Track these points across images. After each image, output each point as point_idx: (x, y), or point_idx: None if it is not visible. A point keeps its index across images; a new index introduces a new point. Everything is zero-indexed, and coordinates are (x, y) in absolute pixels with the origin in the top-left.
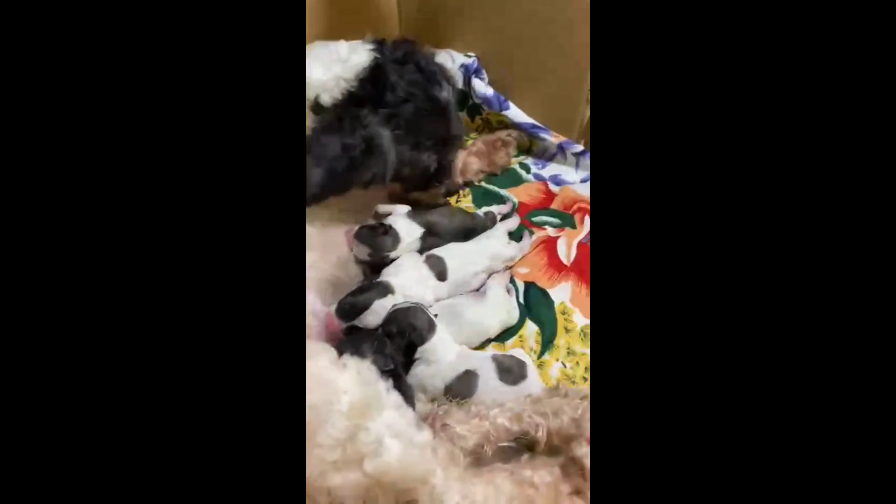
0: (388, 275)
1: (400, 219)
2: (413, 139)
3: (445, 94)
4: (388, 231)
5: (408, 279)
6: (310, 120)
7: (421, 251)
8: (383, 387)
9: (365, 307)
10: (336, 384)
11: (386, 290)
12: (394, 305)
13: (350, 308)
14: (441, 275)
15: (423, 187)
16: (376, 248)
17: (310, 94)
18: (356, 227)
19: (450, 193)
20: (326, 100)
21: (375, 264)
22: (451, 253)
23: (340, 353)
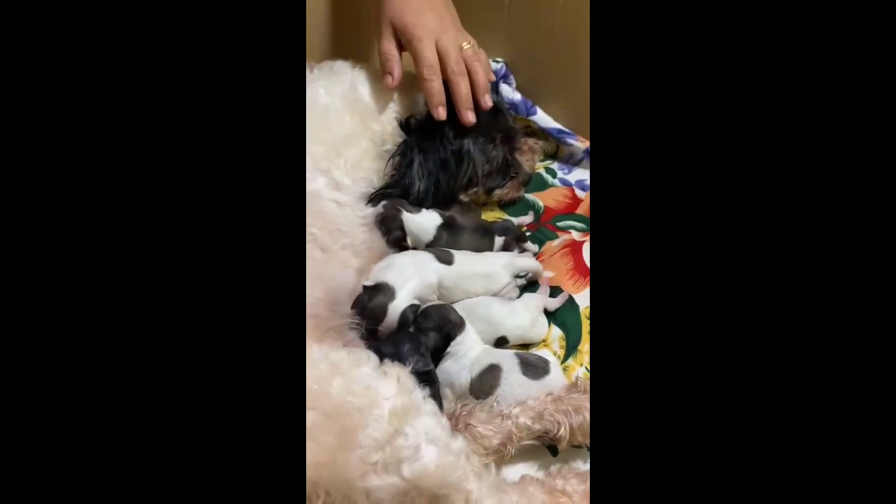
0: (379, 270)
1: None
2: (486, 137)
3: (497, 97)
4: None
5: (404, 265)
6: (399, 136)
7: (434, 245)
8: (421, 394)
9: (380, 315)
10: (378, 390)
11: (387, 293)
12: (427, 306)
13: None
14: (445, 260)
15: (501, 183)
16: (388, 217)
17: (404, 112)
18: None
19: (526, 183)
20: (413, 122)
21: (394, 238)
22: (461, 255)
23: (381, 357)
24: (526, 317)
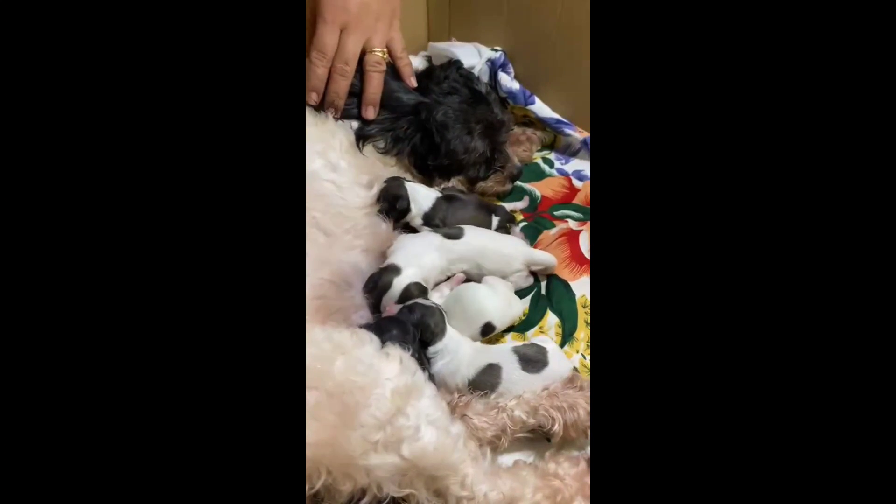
0: (391, 253)
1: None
2: (463, 126)
3: (484, 87)
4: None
5: (416, 248)
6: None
7: (433, 216)
8: (422, 377)
9: (385, 290)
10: (381, 370)
11: (394, 270)
12: (417, 301)
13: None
14: (454, 236)
15: (485, 175)
16: (392, 187)
17: None
18: None
19: (513, 178)
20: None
21: (394, 210)
22: (473, 231)
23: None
24: (500, 298)
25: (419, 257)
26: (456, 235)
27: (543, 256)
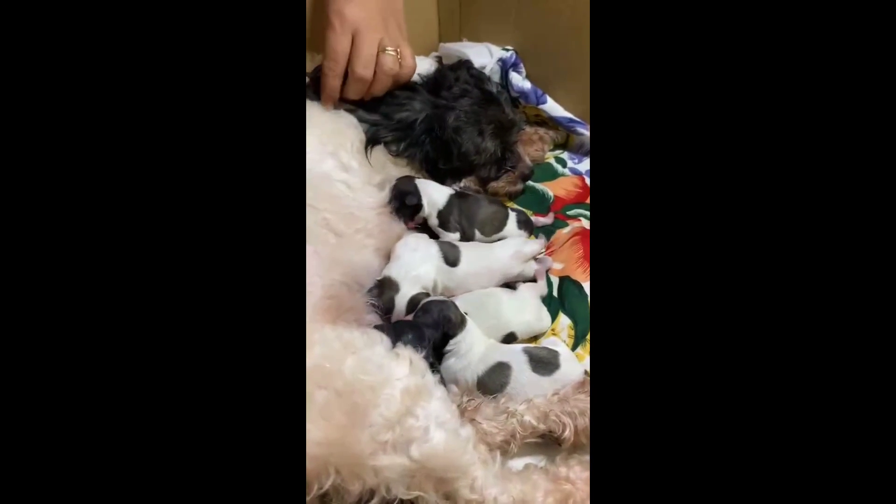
0: (390, 262)
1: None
2: (475, 127)
3: (495, 87)
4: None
5: (411, 259)
6: None
7: (447, 214)
8: (432, 379)
9: (391, 307)
10: (391, 370)
11: (392, 287)
12: (430, 300)
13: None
14: (452, 261)
15: (496, 175)
16: (401, 184)
17: None
18: None
19: (525, 178)
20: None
21: (405, 207)
22: (469, 252)
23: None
24: (530, 312)
25: (415, 268)
26: (454, 261)
27: (532, 246)
